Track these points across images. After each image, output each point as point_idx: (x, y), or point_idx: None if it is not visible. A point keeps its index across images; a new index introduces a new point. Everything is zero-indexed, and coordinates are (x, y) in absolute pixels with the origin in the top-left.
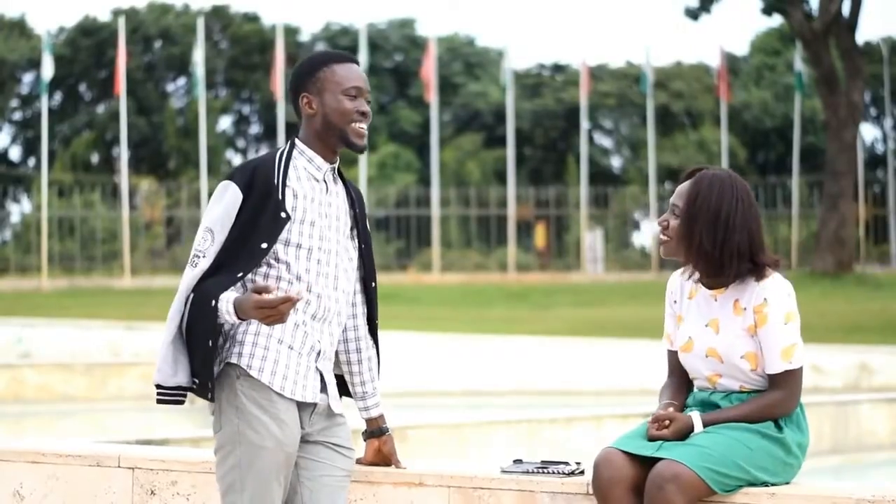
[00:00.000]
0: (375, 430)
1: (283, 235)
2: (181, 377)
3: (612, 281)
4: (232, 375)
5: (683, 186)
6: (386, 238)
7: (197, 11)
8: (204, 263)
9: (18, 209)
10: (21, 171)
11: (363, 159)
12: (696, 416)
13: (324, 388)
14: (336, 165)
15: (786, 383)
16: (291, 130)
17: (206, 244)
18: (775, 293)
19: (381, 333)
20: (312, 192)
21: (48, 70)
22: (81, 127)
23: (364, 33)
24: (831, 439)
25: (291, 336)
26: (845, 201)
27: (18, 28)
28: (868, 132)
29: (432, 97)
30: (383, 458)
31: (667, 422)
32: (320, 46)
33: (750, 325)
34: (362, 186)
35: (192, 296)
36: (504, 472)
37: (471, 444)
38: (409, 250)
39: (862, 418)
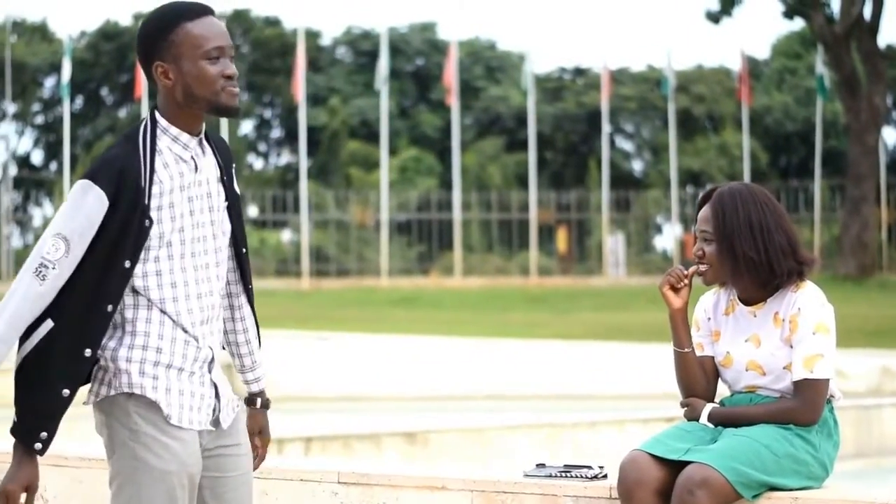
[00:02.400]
0: (254, 402)
1: (150, 242)
2: None
3: (633, 285)
4: (120, 399)
5: (705, 211)
6: (408, 242)
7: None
8: (54, 279)
9: (41, 213)
10: (43, 175)
11: (384, 163)
12: (706, 408)
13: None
14: (202, 134)
15: (804, 392)
16: (313, 134)
17: (59, 254)
18: (808, 303)
19: (394, 336)
20: (181, 178)
21: (69, 74)
22: (103, 131)
23: (385, 37)
24: (854, 443)
25: (181, 357)
26: (867, 205)
27: (40, 32)
28: (890, 136)
29: (454, 101)
30: (251, 429)
31: (702, 266)
32: (342, 50)
33: (787, 336)
34: (384, 190)
35: (49, 324)
36: (527, 476)
37: (493, 447)
38: (430, 254)
39: (885, 422)
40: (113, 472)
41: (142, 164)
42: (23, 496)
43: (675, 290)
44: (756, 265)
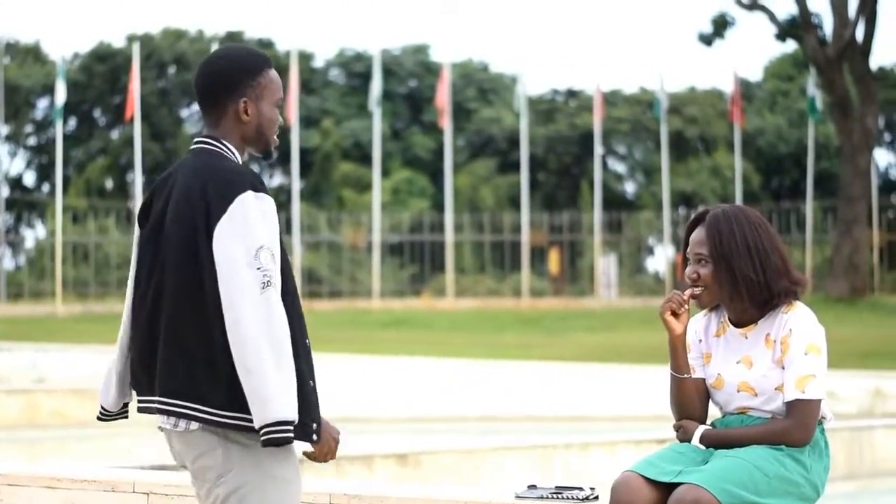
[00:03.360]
0: None
1: None
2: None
3: (625, 306)
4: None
5: (699, 234)
6: (400, 263)
7: (211, 37)
8: (279, 287)
9: (33, 235)
10: (35, 197)
11: (377, 185)
12: (699, 429)
13: None
14: None
15: (796, 413)
16: (306, 156)
17: (274, 266)
18: (800, 324)
19: (386, 358)
20: None
21: (62, 96)
22: (96, 152)
23: (378, 59)
24: (846, 465)
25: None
26: (859, 227)
27: (33, 54)
28: (882, 157)
29: (446, 123)
30: None
31: (697, 289)
32: (335, 72)
33: (779, 357)
34: (376, 212)
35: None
36: (518, 497)
37: (485, 469)
38: (422, 276)
39: (876, 444)
40: (235, 485)
41: None
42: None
43: (675, 315)
44: (756, 285)
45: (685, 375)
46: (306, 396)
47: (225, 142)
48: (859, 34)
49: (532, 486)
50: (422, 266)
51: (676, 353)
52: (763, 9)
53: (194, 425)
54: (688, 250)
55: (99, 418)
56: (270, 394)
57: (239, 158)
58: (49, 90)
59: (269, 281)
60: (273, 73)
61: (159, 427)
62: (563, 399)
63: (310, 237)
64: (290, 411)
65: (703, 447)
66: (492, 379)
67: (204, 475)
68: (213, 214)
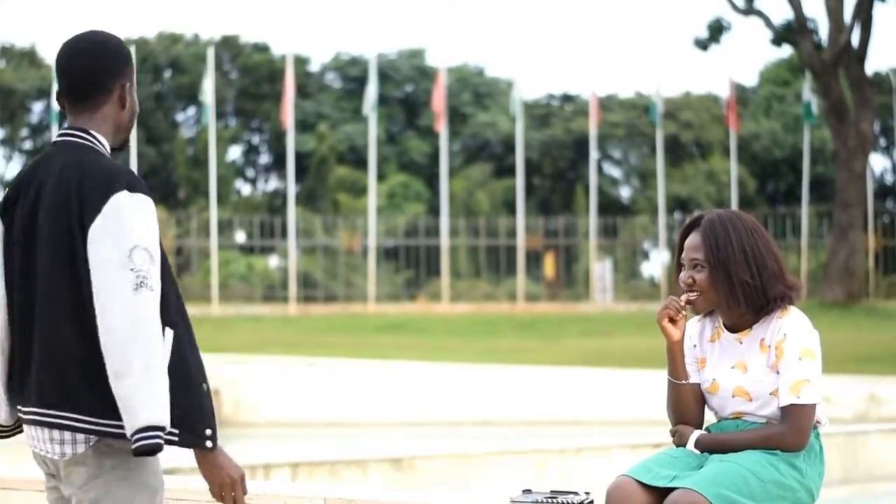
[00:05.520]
0: None
1: None
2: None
3: (621, 311)
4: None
5: (694, 239)
6: (395, 268)
7: (207, 41)
8: (156, 288)
9: None
10: None
11: (372, 189)
12: (694, 434)
13: None
14: None
15: (791, 417)
16: (301, 160)
17: (151, 267)
18: (794, 329)
19: (381, 362)
20: None
21: None
22: None
23: (374, 63)
24: (841, 469)
25: None
26: (855, 232)
27: (28, 58)
28: (877, 163)
29: (442, 127)
30: None
31: (693, 295)
32: (330, 76)
33: (773, 362)
34: (371, 216)
35: (170, 331)
36: (513, 501)
37: (480, 473)
38: (418, 280)
39: (871, 449)
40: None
41: None
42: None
43: (673, 321)
44: (752, 290)
45: (683, 382)
46: (197, 399)
47: (95, 133)
48: (855, 39)
49: (527, 491)
50: (417, 270)
51: (674, 360)
52: (759, 14)
53: (80, 447)
54: (682, 256)
55: None
56: (140, 399)
57: (108, 151)
58: (44, 94)
59: (142, 282)
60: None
61: (33, 452)
62: (559, 403)
63: (305, 241)
64: (160, 416)
65: (698, 452)
66: (487, 383)
67: (71, 479)
68: (87, 214)
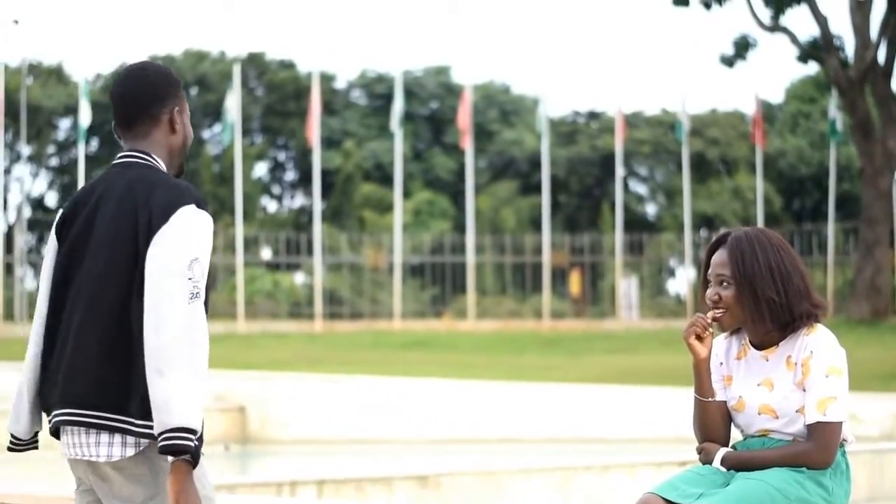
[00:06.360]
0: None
1: None
2: None
3: (646, 328)
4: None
5: (721, 256)
6: (421, 284)
7: (233, 58)
8: (203, 302)
9: None
10: None
11: (398, 206)
12: (720, 452)
13: None
14: None
15: (817, 435)
16: (327, 177)
17: (203, 281)
18: (821, 346)
19: (407, 379)
20: None
21: (86, 117)
22: None
23: (400, 80)
24: (867, 487)
25: None
26: (881, 249)
27: (56, 75)
28: None
29: (468, 144)
30: None
31: (719, 312)
32: (356, 93)
33: (800, 379)
34: (397, 233)
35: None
36: None
37: (506, 491)
38: (444, 297)
39: None
40: None
41: None
42: None
43: (700, 338)
44: (777, 307)
45: (709, 399)
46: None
47: (154, 155)
48: (881, 56)
49: None
50: (443, 287)
51: (701, 377)
52: (785, 31)
53: (130, 450)
54: (709, 272)
55: (10, 448)
56: (179, 399)
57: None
58: (71, 111)
59: (197, 293)
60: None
61: (69, 459)
62: (584, 421)
63: (331, 258)
64: (196, 421)
65: (724, 469)
66: (512, 400)
67: (123, 486)
68: (154, 221)
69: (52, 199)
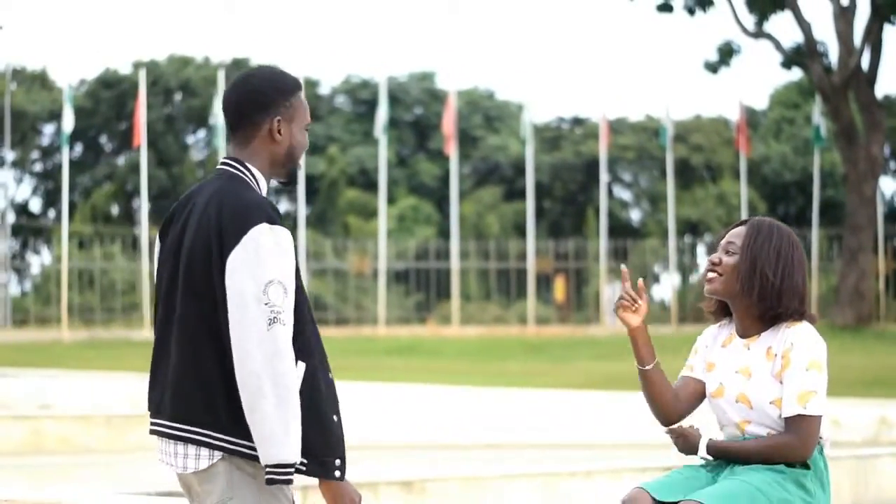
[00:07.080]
0: None
1: None
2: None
3: None
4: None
5: (739, 229)
6: (405, 290)
7: (217, 64)
8: (289, 322)
9: (38, 261)
10: (41, 223)
11: (383, 212)
12: (704, 440)
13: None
14: None
15: (798, 428)
16: (311, 182)
17: (285, 301)
18: (802, 339)
19: (391, 385)
20: None
21: (69, 122)
22: (102, 179)
23: (384, 86)
24: (851, 494)
25: None
26: (865, 255)
27: (40, 80)
28: (887, 186)
29: (452, 150)
30: None
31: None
32: (340, 99)
33: (778, 371)
34: (381, 239)
35: (302, 365)
36: None
37: (490, 496)
38: (428, 303)
39: (881, 472)
40: None
41: None
42: None
43: (632, 311)
44: (769, 287)
45: (648, 366)
46: (328, 431)
47: (250, 165)
48: (865, 62)
49: None
50: (427, 293)
51: (637, 345)
52: (769, 37)
53: (203, 462)
54: (721, 241)
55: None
56: (270, 434)
57: (262, 184)
58: (55, 116)
59: (276, 317)
60: (303, 96)
61: (161, 460)
62: (569, 426)
63: (315, 264)
64: (290, 453)
65: (710, 457)
66: (497, 406)
67: (203, 498)
68: (226, 244)
69: (36, 205)
